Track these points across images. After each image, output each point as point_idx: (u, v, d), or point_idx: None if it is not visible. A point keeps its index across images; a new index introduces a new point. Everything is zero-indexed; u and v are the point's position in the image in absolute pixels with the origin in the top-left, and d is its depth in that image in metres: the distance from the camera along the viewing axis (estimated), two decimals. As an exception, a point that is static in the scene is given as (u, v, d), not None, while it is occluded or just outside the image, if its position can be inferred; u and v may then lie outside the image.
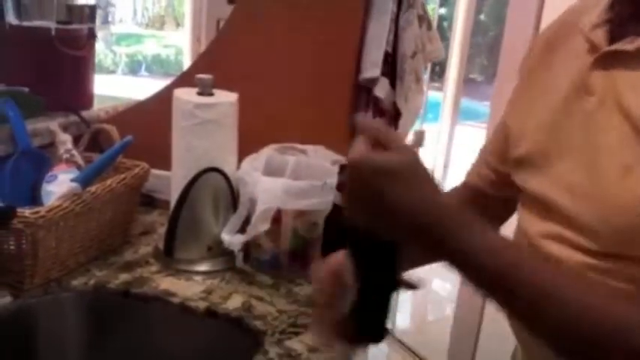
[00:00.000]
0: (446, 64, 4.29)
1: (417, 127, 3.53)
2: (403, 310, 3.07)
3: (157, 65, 7.48)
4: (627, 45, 0.64)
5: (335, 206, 0.91)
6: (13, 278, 0.95)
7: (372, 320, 0.68)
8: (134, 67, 7.66)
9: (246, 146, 1.16)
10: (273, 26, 1.24)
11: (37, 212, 0.90)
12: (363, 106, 1.21)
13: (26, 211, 0.90)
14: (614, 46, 0.66)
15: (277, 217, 1.03)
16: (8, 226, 0.84)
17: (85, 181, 0.98)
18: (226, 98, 1.08)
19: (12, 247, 0.93)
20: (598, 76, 0.67)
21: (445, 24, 4.99)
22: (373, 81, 1.20)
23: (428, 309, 3.30)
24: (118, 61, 7.39)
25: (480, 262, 0.56)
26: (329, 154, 1.19)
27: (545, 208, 0.70)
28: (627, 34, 0.65)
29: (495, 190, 0.87)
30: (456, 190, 0.92)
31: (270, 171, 1.14)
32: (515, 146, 0.76)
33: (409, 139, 3.12)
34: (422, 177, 0.58)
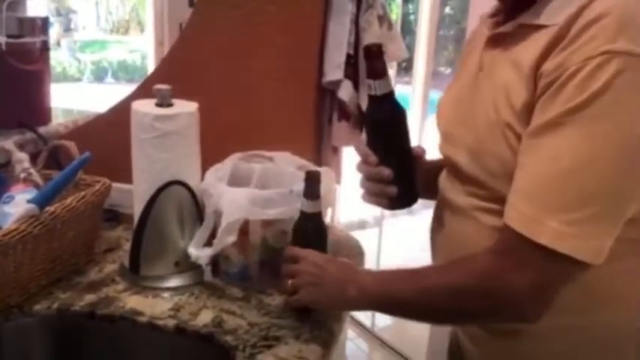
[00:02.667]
0: (413, 59, 4.30)
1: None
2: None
3: (122, 71, 7.35)
4: (504, 28, 0.78)
5: (302, 213, 0.89)
6: (-30, 307, 0.92)
7: (407, 185, 0.90)
8: (100, 75, 7.51)
9: (210, 156, 1.13)
10: (233, 31, 1.21)
11: (-10, 238, 0.87)
12: (328, 110, 1.20)
13: (-20, 237, 0.86)
14: (495, 31, 0.80)
15: (244, 228, 1.01)
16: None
17: (42, 201, 0.94)
18: (186, 109, 1.05)
19: (-33, 276, 0.89)
20: (486, 56, 0.82)
21: (412, 18, 5.00)
22: (336, 84, 1.19)
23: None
24: (83, 68, 7.24)
25: (372, 291, 0.82)
26: (295, 160, 1.17)
27: (454, 171, 0.86)
28: (509, 20, 0.78)
29: None
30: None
31: (236, 181, 1.12)
32: (438, 124, 0.93)
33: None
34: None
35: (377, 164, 0.87)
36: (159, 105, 1.04)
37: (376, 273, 0.88)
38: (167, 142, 1.02)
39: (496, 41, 0.80)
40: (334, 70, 1.17)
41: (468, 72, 0.86)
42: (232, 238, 0.98)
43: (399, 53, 1.27)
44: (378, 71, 0.83)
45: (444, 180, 0.91)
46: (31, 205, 0.93)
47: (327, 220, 1.07)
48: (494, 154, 0.75)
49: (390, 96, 0.85)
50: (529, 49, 0.72)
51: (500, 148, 0.74)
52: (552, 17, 0.71)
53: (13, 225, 0.92)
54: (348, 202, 2.52)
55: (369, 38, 1.17)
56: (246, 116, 1.21)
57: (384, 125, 0.87)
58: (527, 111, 0.70)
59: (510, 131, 0.72)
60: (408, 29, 4.64)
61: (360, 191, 0.93)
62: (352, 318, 2.04)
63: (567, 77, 0.65)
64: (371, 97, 0.85)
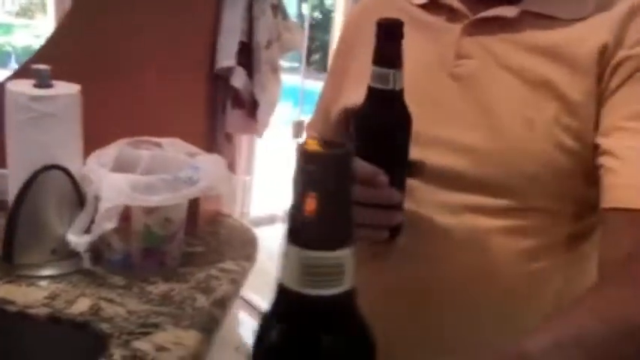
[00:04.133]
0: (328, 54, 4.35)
1: (296, 117, 3.55)
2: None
3: (27, 56, 6.99)
4: (506, 11, 0.71)
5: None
6: None
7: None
8: (3, 60, 7.11)
9: (97, 143, 1.10)
10: (124, 15, 1.18)
11: None
12: (222, 97, 1.19)
13: None
14: (490, 12, 0.71)
15: (126, 215, 0.99)
16: None
17: None
18: (66, 90, 1.01)
19: None
20: (469, 41, 0.72)
21: (332, 15, 5.07)
22: (229, 70, 1.18)
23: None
24: (-16, 53, 6.81)
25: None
26: (185, 146, 1.16)
27: (442, 179, 0.71)
28: (480, 5, 0.72)
29: None
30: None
31: (122, 167, 1.09)
32: None
33: (290, 130, 3.14)
34: None
35: (388, 184, 0.63)
36: (37, 86, 1.00)
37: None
38: (44, 125, 0.98)
39: (485, 26, 0.72)
40: (226, 57, 1.17)
41: (423, 62, 0.73)
42: (111, 225, 0.95)
43: (293, 43, 1.28)
44: (395, 57, 0.63)
45: (421, 195, 0.72)
46: None
47: (233, 214, 1.02)
48: (532, 154, 0.68)
49: (403, 93, 0.65)
50: (569, 42, 0.69)
51: (541, 147, 0.68)
52: (571, 11, 0.70)
53: None
54: (257, 195, 2.53)
55: (262, 27, 1.18)
56: (135, 101, 1.18)
57: (399, 131, 0.66)
58: (590, 102, 0.67)
59: (559, 127, 0.67)
60: (329, 25, 4.69)
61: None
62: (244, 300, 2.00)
63: None
64: (381, 92, 0.64)
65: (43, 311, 0.91)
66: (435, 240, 0.72)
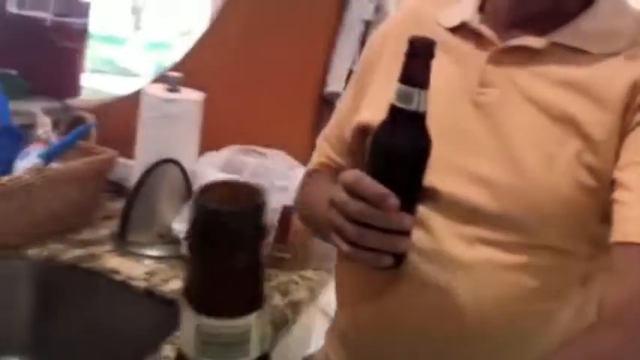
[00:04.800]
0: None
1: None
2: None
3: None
4: (534, 42, 0.69)
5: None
6: (-28, 240, 1.03)
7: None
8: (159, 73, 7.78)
9: (212, 145, 1.23)
10: (249, 37, 1.32)
11: (-2, 180, 0.99)
12: (326, 119, 1.28)
13: (-12, 179, 0.98)
14: (517, 42, 0.70)
15: (224, 211, 1.10)
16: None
17: (47, 157, 1.05)
18: (191, 96, 1.15)
19: (-27, 211, 1.01)
20: (494, 70, 0.70)
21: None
22: (337, 95, 1.27)
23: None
24: (145, 66, 7.54)
25: None
26: (288, 160, 1.26)
27: (457, 209, 0.69)
28: (511, 32, 0.71)
29: (352, 164, 0.84)
30: (319, 174, 0.90)
31: (230, 169, 1.21)
32: None
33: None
34: None
35: (398, 208, 0.59)
36: (168, 90, 1.15)
37: None
38: (168, 124, 1.13)
39: (511, 55, 0.70)
40: (336, 81, 1.25)
41: (446, 87, 0.71)
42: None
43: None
44: (423, 77, 0.59)
45: (434, 222, 0.70)
46: (37, 159, 1.04)
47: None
48: (550, 192, 0.66)
49: (426, 115, 0.61)
50: (598, 78, 0.67)
51: (560, 184, 0.65)
52: (602, 45, 0.68)
53: (19, 174, 1.03)
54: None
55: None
56: (250, 113, 1.30)
57: (417, 155, 0.62)
58: (614, 141, 0.65)
59: (580, 165, 0.65)
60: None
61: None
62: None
63: None
64: (404, 112, 0.60)
65: (142, 284, 1.03)
66: (445, 270, 0.69)
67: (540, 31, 0.70)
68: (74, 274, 1.06)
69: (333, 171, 0.87)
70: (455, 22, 0.76)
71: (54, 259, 1.07)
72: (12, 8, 1.31)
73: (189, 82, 1.19)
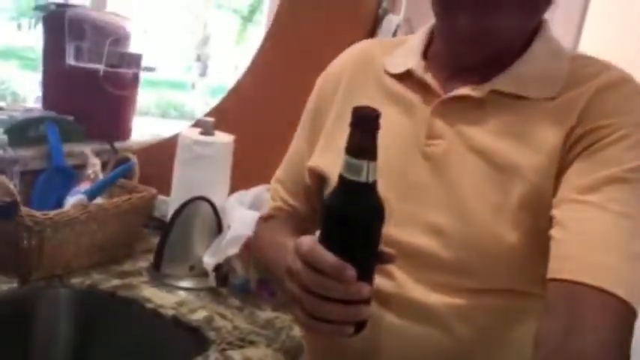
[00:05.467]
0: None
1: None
2: None
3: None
4: (474, 92, 0.71)
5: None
6: (23, 269, 1.14)
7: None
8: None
9: (242, 184, 1.32)
10: (282, 86, 1.41)
11: (45, 214, 1.10)
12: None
13: (37, 213, 1.09)
14: (458, 92, 0.71)
15: (249, 245, 1.17)
16: (12, 219, 1.03)
17: (91, 193, 1.16)
18: (223, 139, 1.25)
19: (24, 243, 1.12)
20: (440, 122, 0.72)
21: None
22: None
23: None
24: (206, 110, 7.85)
25: None
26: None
27: (414, 258, 0.71)
28: (454, 80, 0.73)
29: (306, 205, 0.89)
30: (274, 221, 0.91)
31: (257, 207, 1.28)
32: None
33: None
34: None
35: (355, 279, 0.59)
36: (202, 133, 1.25)
37: None
38: (201, 164, 1.22)
39: (454, 106, 0.72)
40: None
41: (395, 139, 0.73)
42: (234, 251, 1.14)
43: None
44: (370, 149, 0.59)
45: (397, 271, 0.72)
46: (82, 196, 1.15)
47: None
48: (498, 239, 0.68)
49: (377, 184, 0.61)
50: (537, 124, 0.68)
51: (508, 231, 0.67)
52: (539, 90, 0.70)
53: (65, 209, 1.14)
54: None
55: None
56: (278, 156, 1.38)
57: (371, 224, 0.61)
58: (554, 185, 0.67)
59: (525, 210, 0.67)
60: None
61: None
62: None
63: (619, 137, 0.65)
64: (354, 184, 0.59)
65: (170, 312, 1.11)
66: (408, 314, 0.71)
67: (481, 79, 0.72)
68: (112, 300, 1.15)
69: (288, 215, 0.91)
70: (400, 69, 0.78)
71: (94, 287, 1.17)
72: (70, 61, 1.45)
73: (222, 126, 1.29)
